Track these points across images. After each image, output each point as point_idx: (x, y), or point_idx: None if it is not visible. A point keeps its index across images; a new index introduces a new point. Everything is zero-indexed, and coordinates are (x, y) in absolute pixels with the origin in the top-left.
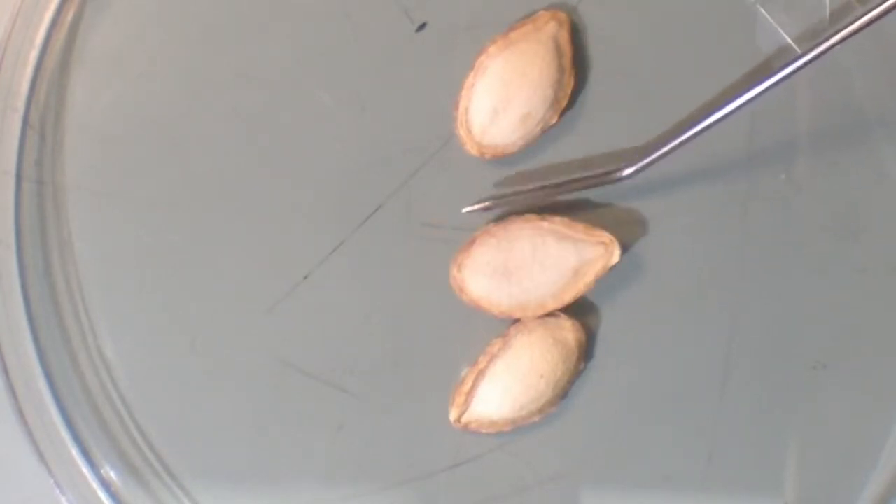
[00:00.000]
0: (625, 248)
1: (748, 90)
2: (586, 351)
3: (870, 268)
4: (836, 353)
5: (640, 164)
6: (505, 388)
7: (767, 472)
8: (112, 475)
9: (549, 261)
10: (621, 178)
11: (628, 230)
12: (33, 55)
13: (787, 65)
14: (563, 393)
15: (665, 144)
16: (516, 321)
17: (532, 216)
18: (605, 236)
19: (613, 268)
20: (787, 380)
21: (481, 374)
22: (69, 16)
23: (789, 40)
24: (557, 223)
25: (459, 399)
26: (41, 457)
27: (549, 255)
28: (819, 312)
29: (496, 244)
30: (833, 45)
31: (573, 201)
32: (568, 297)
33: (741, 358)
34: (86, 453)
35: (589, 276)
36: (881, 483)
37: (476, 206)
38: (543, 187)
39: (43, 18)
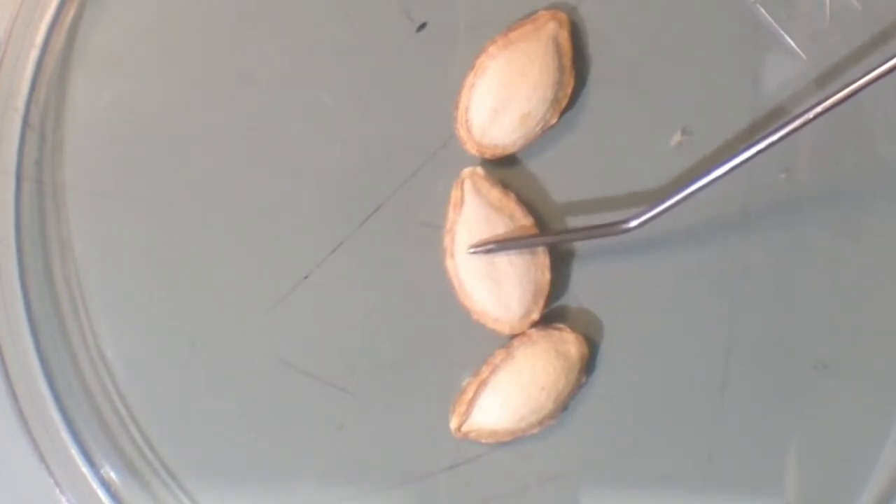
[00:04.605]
0: (626, 248)
1: (749, 147)
2: (588, 364)
3: (870, 268)
4: (837, 353)
5: (644, 217)
6: (506, 399)
7: (767, 472)
8: (112, 475)
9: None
10: (627, 230)
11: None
12: (33, 55)
13: (786, 124)
14: (564, 405)
15: (671, 197)
16: (519, 333)
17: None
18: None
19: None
20: (787, 380)
21: (483, 384)
22: (69, 16)
23: (789, 40)
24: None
25: (460, 408)
26: (41, 457)
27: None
28: (819, 312)
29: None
30: (851, 95)
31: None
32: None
33: (741, 358)
34: (86, 453)
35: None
36: (881, 483)
37: (479, 249)
38: (548, 234)
39: (43, 18)
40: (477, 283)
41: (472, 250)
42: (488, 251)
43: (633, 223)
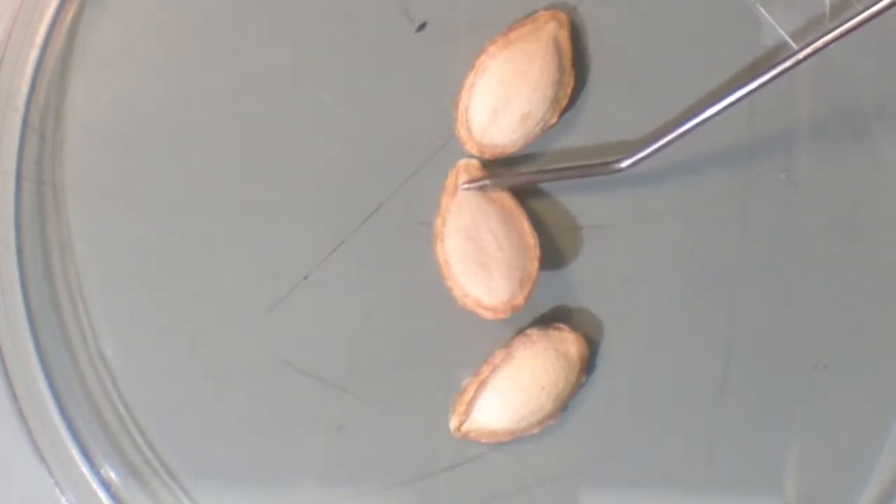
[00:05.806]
0: (625, 248)
1: (745, 85)
2: (588, 364)
3: (870, 267)
4: (837, 353)
5: (636, 157)
6: (506, 399)
7: (767, 472)
8: (112, 475)
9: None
10: (618, 171)
11: (628, 230)
12: (33, 55)
13: (783, 60)
14: (564, 405)
15: (662, 137)
16: (519, 333)
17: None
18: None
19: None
20: (787, 380)
21: (483, 384)
22: (69, 16)
23: (789, 39)
24: None
25: (460, 408)
26: (41, 457)
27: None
28: (819, 312)
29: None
30: (830, 42)
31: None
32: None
33: (741, 358)
34: (86, 453)
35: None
36: (881, 483)
37: (472, 185)
38: (540, 171)
39: (43, 18)
40: (464, 266)
41: (465, 186)
42: (482, 187)
43: (625, 163)
